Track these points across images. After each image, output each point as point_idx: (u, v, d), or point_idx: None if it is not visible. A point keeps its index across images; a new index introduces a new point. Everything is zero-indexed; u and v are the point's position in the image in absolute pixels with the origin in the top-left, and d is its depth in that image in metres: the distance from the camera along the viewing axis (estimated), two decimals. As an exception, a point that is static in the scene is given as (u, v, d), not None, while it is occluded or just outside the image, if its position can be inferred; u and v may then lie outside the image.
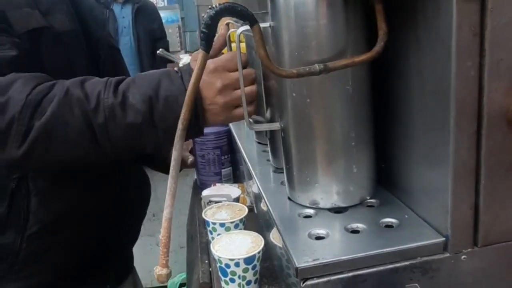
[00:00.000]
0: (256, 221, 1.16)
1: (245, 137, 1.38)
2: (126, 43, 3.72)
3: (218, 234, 1.11)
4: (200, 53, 0.66)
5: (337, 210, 0.83)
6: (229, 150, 1.11)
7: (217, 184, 1.50)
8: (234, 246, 0.97)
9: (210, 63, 0.82)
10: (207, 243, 1.25)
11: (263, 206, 1.02)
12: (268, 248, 0.99)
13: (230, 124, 1.51)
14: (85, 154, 0.82)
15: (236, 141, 1.35)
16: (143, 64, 3.82)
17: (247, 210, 1.15)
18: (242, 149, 1.24)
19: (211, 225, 1.12)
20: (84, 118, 0.79)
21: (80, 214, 1.01)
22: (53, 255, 1.00)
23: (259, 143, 1.28)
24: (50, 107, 0.78)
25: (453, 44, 0.62)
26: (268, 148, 1.09)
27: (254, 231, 1.11)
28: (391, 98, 0.82)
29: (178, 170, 0.70)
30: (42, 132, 0.78)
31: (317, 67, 0.70)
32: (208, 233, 1.13)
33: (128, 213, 1.17)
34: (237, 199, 1.26)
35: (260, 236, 0.99)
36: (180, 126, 0.67)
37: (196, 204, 1.51)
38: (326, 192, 0.82)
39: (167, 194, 0.71)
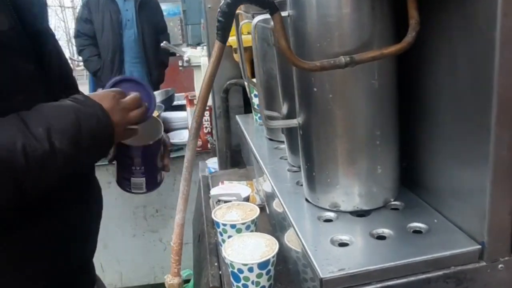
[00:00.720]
0: (267, 221, 1.10)
1: (253, 132, 1.32)
2: (130, 36, 3.65)
3: (229, 236, 1.06)
4: (216, 44, 0.60)
5: (359, 214, 0.78)
6: (141, 163, 1.04)
7: (225, 182, 1.44)
8: (247, 250, 0.91)
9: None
10: (216, 244, 1.19)
11: (276, 207, 0.96)
12: (282, 251, 0.93)
13: (239, 120, 1.45)
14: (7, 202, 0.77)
15: (245, 137, 1.29)
16: (148, 58, 3.75)
17: (258, 210, 1.10)
18: (253, 146, 1.18)
19: (221, 227, 1.06)
20: (14, 184, 0.74)
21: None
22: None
23: (270, 139, 1.22)
24: None
25: (497, 34, 0.56)
26: (285, 146, 1.03)
27: (265, 232, 1.06)
28: (418, 93, 0.76)
29: (191, 172, 0.65)
30: None
31: (342, 59, 0.64)
32: (218, 234, 1.08)
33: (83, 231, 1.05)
34: (247, 198, 1.21)
35: (274, 239, 0.94)
36: (194, 124, 0.61)
37: (203, 202, 1.46)
38: (348, 194, 0.77)
39: (179, 198, 0.65)
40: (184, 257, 2.92)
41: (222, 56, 0.61)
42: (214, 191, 1.22)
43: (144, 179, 1.11)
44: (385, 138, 0.74)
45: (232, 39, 1.53)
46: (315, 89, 0.73)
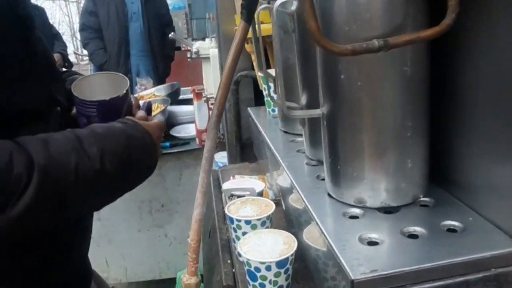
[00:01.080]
0: (281, 217, 1.05)
1: (267, 125, 1.27)
2: (136, 29, 3.58)
3: (244, 233, 1.01)
4: (240, 24, 0.55)
5: (387, 210, 0.73)
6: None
7: (236, 177, 1.40)
8: (264, 248, 0.86)
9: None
10: (228, 241, 1.15)
11: (295, 202, 0.92)
12: (299, 248, 0.88)
13: (251, 112, 1.41)
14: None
15: (259, 130, 1.25)
16: (154, 51, 3.69)
17: (274, 206, 1.05)
18: (268, 139, 1.13)
19: (235, 222, 1.02)
20: (59, 199, 0.71)
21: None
22: None
23: (285, 132, 1.17)
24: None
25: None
26: (303, 138, 0.98)
27: (280, 228, 1.01)
28: (452, 82, 0.71)
29: (211, 163, 0.60)
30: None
31: (376, 43, 0.59)
32: (232, 230, 1.03)
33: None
34: (260, 193, 1.16)
35: (292, 236, 0.89)
36: (215, 112, 0.56)
37: (214, 197, 1.41)
38: (375, 189, 0.72)
39: (198, 191, 0.61)
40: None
41: (246, 38, 0.56)
42: (226, 186, 1.17)
43: None
44: (416, 130, 0.69)
45: (244, 29, 1.48)
46: (342, 77, 0.68)
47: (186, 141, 2.66)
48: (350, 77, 0.67)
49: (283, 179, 0.96)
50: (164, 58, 3.77)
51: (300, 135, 1.13)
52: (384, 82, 0.67)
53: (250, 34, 1.48)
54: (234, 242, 1.05)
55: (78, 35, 4.80)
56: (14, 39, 0.78)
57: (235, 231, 1.03)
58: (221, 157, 2.20)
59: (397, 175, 0.71)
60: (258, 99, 1.68)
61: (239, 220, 1.01)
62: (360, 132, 0.70)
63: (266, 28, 1.36)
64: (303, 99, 0.93)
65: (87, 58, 4.86)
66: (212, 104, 2.74)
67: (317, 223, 0.71)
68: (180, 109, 3.04)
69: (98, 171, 0.74)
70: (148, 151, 0.85)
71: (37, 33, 0.86)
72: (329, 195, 0.80)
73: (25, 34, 0.81)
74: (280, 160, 0.99)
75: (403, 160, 0.70)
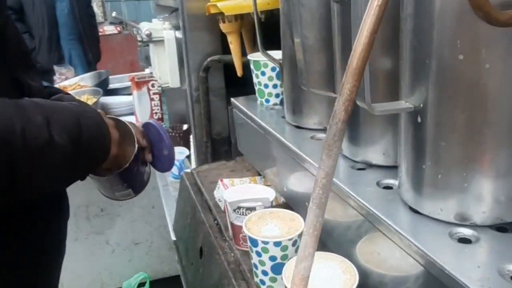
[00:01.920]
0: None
1: (267, 119, 1.06)
2: (63, 9, 3.11)
3: (272, 257, 0.81)
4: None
5: (501, 228, 0.57)
6: (122, 183, 0.97)
7: (224, 180, 1.18)
8: (321, 281, 0.68)
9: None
10: (238, 264, 0.94)
11: (352, 216, 0.73)
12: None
13: (238, 103, 1.19)
14: None
15: (260, 125, 1.04)
16: (82, 34, 3.25)
17: (302, 220, 0.86)
18: (283, 138, 0.94)
19: (261, 245, 0.81)
20: (7, 167, 0.65)
21: None
22: None
23: (297, 127, 0.98)
24: None
25: None
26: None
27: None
28: None
29: (328, 195, 0.40)
30: None
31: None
32: (253, 254, 0.83)
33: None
34: (272, 202, 0.97)
35: (347, 261, 0.71)
36: (340, 109, 0.36)
37: (199, 206, 1.19)
38: (492, 202, 0.56)
39: (307, 234, 0.40)
40: (135, 257, 2.59)
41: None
42: (230, 197, 0.95)
43: (130, 190, 0.98)
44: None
45: (222, 4, 1.25)
46: (461, 57, 0.51)
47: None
48: (475, 58, 0.50)
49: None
50: (94, 41, 3.36)
51: (319, 130, 0.95)
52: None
53: (228, 10, 1.26)
54: (256, 268, 0.85)
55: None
56: None
57: (259, 255, 0.83)
58: (178, 153, 1.96)
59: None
60: (230, 89, 1.47)
61: (266, 243, 0.81)
62: (480, 131, 0.53)
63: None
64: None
65: None
66: (153, 94, 2.45)
67: (422, 251, 0.54)
68: (115, 100, 2.72)
69: (47, 140, 0.68)
70: (100, 130, 0.81)
71: (5, 15, 0.80)
72: (411, 208, 0.63)
73: None
74: (314, 163, 0.80)
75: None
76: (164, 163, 1.00)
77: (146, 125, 0.99)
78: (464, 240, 0.56)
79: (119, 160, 0.88)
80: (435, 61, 0.53)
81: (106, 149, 0.83)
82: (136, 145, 0.91)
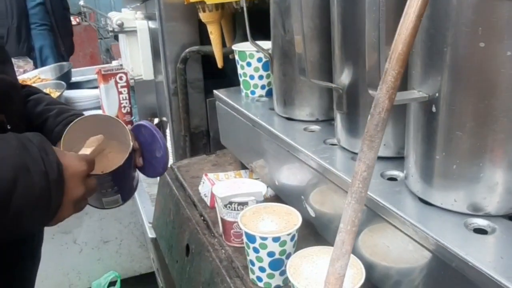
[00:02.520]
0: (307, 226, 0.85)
1: (255, 111, 1.03)
2: None
3: (270, 253, 0.79)
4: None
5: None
6: (113, 185, 0.90)
7: (209, 175, 1.15)
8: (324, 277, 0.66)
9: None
10: (231, 261, 0.91)
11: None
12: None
13: (222, 95, 1.16)
14: None
15: (249, 117, 1.01)
16: (53, 23, 3.08)
17: (299, 214, 0.84)
18: (275, 130, 0.91)
19: (259, 241, 0.79)
20: None
21: None
22: None
23: (288, 118, 0.96)
24: None
25: None
26: (338, 126, 0.79)
27: (306, 241, 0.82)
28: None
29: (367, 189, 0.37)
30: None
31: None
32: (250, 250, 0.80)
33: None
34: (264, 196, 0.94)
35: (354, 256, 0.70)
36: (384, 98, 0.34)
37: (183, 202, 1.15)
38: (507, 192, 0.55)
39: (343, 231, 0.38)
40: (105, 256, 2.50)
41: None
42: (220, 192, 0.92)
43: (118, 195, 0.92)
44: None
45: (202, -7, 1.21)
46: (481, 45, 0.50)
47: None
48: (498, 45, 0.49)
49: (329, 180, 0.76)
50: (67, 34, 3.19)
51: (311, 121, 0.93)
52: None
53: None
54: (253, 265, 0.83)
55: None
56: None
57: (256, 252, 0.81)
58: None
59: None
60: (208, 81, 1.43)
61: (264, 238, 0.78)
62: (501, 119, 0.52)
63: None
64: (345, 77, 0.73)
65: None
66: (121, 88, 2.37)
67: (439, 242, 0.53)
68: (79, 94, 2.61)
69: None
70: (43, 193, 0.63)
71: None
72: (421, 200, 0.62)
73: None
74: (313, 156, 0.78)
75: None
76: (157, 167, 0.93)
77: (137, 127, 0.93)
78: (480, 231, 0.56)
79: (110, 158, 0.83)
80: (453, 49, 0.52)
81: (49, 214, 0.67)
82: (131, 143, 0.85)
